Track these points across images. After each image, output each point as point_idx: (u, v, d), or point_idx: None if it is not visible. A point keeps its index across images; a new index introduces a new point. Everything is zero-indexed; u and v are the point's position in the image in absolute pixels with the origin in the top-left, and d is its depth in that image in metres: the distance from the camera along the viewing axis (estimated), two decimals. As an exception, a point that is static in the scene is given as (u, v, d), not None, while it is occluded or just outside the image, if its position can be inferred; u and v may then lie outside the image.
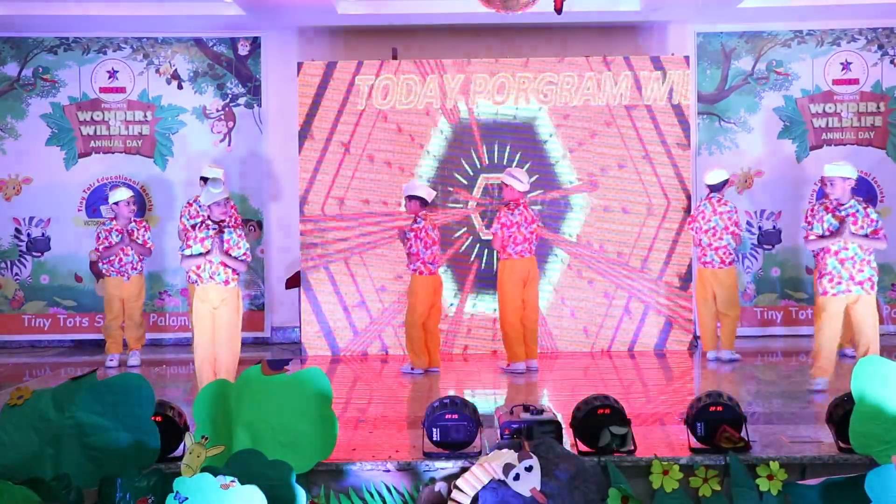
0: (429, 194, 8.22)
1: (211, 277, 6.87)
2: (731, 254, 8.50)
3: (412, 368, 8.13)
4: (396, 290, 9.01)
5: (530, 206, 8.46)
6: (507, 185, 8.11)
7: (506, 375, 7.95)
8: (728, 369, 8.09)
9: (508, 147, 9.22)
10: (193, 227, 7.10)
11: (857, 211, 6.83)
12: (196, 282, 6.97)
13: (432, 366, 8.21)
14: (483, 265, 9.21)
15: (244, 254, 6.94)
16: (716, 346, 8.57)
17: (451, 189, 9.20)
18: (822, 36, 10.04)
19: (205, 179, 8.69)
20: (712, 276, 8.48)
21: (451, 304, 9.14)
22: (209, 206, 6.97)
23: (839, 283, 6.80)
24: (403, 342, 8.48)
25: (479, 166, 9.23)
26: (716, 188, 8.54)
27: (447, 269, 9.09)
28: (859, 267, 6.78)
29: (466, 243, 9.24)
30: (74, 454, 4.74)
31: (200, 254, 6.86)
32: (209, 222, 6.94)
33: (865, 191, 9.74)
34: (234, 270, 6.92)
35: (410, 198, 8.13)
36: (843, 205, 6.86)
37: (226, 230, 6.92)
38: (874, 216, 6.85)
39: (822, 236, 6.86)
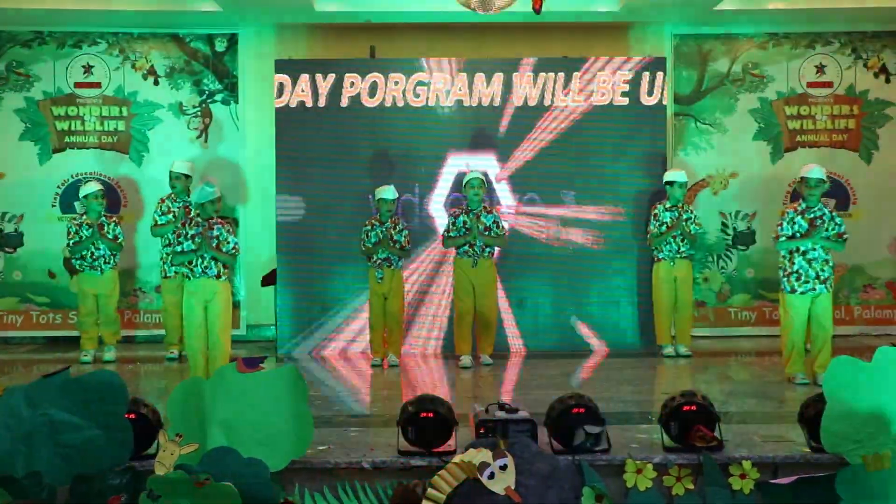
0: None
1: (203, 272, 7.22)
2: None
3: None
4: (371, 289, 8.99)
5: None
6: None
7: (483, 371, 7.98)
8: (701, 368, 8.15)
9: (487, 145, 9.22)
10: (184, 223, 7.37)
11: (824, 214, 7.27)
12: (188, 276, 7.25)
13: None
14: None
15: (233, 248, 7.31)
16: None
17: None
18: (798, 39, 10.12)
19: (180, 177, 8.77)
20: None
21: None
22: (202, 204, 7.25)
23: (806, 281, 7.19)
24: (369, 337, 8.53)
25: (459, 164, 9.22)
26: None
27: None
28: (822, 266, 7.20)
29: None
30: (47, 452, 4.69)
31: (192, 250, 7.19)
32: (199, 220, 7.26)
33: (839, 193, 9.85)
34: (224, 265, 7.29)
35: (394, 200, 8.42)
36: (811, 207, 7.26)
37: (215, 227, 7.27)
38: (839, 220, 7.31)
39: (793, 237, 7.22)
